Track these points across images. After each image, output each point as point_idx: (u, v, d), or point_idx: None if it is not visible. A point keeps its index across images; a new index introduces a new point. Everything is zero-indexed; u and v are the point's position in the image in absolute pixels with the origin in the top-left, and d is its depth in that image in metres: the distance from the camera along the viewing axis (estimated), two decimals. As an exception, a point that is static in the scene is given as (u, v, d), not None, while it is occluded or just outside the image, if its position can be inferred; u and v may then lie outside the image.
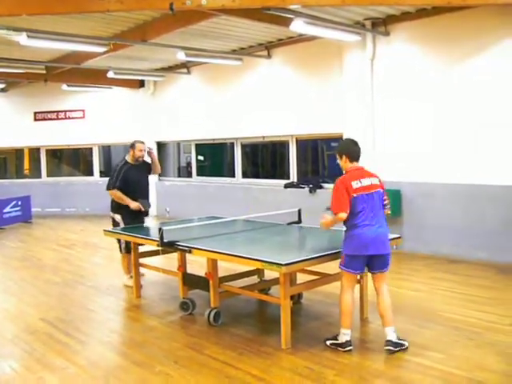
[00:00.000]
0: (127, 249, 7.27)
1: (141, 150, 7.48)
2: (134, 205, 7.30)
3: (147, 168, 7.80)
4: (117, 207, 7.48)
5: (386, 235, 4.86)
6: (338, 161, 4.97)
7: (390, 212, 4.97)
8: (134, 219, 7.43)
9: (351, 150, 4.91)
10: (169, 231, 5.85)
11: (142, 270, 7.15)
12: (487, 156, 8.14)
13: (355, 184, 4.72)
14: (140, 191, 7.55)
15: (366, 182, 4.78)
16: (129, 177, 7.34)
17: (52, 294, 7.17)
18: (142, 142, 7.59)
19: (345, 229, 4.87)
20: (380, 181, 4.93)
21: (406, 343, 4.83)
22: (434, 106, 8.73)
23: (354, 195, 4.69)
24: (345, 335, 4.84)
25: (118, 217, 7.48)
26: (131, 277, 7.22)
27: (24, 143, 16.32)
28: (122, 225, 7.41)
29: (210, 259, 5.50)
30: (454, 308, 6.04)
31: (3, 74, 12.44)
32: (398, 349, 4.73)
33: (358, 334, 5.40)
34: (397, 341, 4.76)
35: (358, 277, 5.77)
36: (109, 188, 7.36)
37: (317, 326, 5.63)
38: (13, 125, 16.06)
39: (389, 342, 4.74)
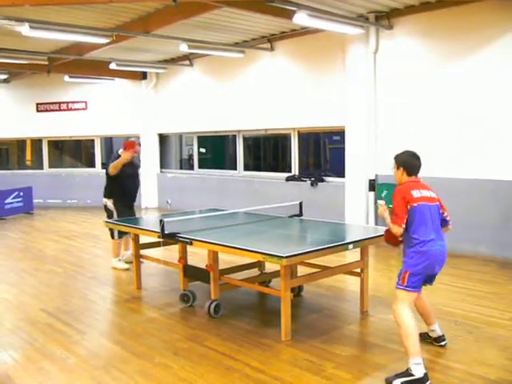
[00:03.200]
0: (121, 234, 7.80)
1: (136, 152, 7.91)
2: (126, 155, 7.63)
3: (138, 165, 8.35)
4: (109, 193, 7.89)
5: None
6: (394, 170, 4.54)
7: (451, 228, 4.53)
8: (125, 205, 7.91)
9: (411, 164, 4.45)
10: (170, 223, 5.85)
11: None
12: (489, 150, 8.12)
13: (415, 193, 4.27)
14: (132, 187, 8.10)
15: (425, 193, 4.35)
16: (124, 170, 7.73)
17: (53, 285, 7.19)
18: (138, 144, 8.11)
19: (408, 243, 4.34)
20: (436, 194, 4.48)
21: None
22: (437, 99, 8.69)
23: (415, 205, 4.22)
24: (419, 365, 4.05)
25: (109, 202, 7.87)
26: (119, 260, 8.04)
27: (26, 134, 16.30)
28: (114, 211, 7.83)
29: (211, 251, 5.49)
30: (454, 302, 6.05)
31: (6, 64, 12.41)
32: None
33: (358, 328, 5.42)
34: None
35: (359, 269, 5.82)
36: (108, 168, 7.76)
37: (317, 318, 5.63)
38: (15, 116, 16.07)
39: (443, 337, 4.73)
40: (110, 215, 7.90)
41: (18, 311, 6.09)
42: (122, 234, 7.77)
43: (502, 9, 7.79)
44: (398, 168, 4.49)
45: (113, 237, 7.93)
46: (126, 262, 8.00)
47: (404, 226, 4.22)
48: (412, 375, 4.01)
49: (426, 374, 4.01)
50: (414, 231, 4.22)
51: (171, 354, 4.72)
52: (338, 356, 4.61)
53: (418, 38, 8.90)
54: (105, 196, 7.95)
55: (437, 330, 4.75)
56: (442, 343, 4.72)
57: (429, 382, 4.00)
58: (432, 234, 4.23)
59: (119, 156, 7.76)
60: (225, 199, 12.17)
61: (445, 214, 4.46)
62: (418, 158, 4.49)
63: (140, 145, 8.13)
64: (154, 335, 5.22)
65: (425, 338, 4.73)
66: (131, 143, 7.79)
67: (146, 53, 12.56)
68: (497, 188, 8.05)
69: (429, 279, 4.43)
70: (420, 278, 4.25)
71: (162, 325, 5.54)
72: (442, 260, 4.32)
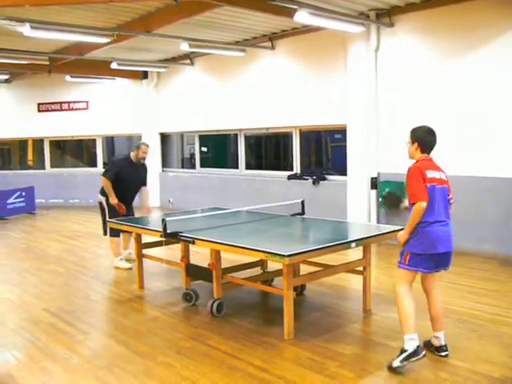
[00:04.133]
0: (113, 233, 7.80)
1: (144, 152, 7.90)
2: (114, 201, 7.71)
3: (144, 171, 8.21)
4: (105, 191, 7.88)
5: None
6: (408, 145, 4.57)
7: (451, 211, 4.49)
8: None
9: (426, 139, 4.51)
10: (172, 222, 5.85)
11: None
12: (490, 148, 8.11)
13: (429, 173, 4.31)
14: (129, 190, 8.00)
15: (436, 174, 4.38)
16: (123, 173, 7.76)
17: (55, 285, 7.19)
18: (148, 145, 8.06)
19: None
20: (446, 176, 4.49)
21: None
22: (438, 97, 8.68)
23: (428, 185, 4.25)
24: (413, 340, 4.22)
25: (104, 200, 7.89)
26: (121, 259, 8.02)
27: (28, 134, 16.30)
28: (105, 207, 7.86)
29: (213, 250, 5.48)
30: (456, 300, 6.03)
31: (7, 64, 12.42)
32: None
33: (361, 326, 5.42)
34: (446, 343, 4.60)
35: (362, 268, 5.82)
36: (104, 174, 7.83)
37: (320, 317, 5.63)
38: (16, 116, 16.07)
39: (445, 347, 4.54)
40: (103, 212, 8.01)
41: (21, 311, 6.10)
42: (114, 232, 7.78)
43: (501, 7, 7.77)
44: (412, 142, 4.53)
45: (105, 234, 8.02)
46: (127, 261, 8.04)
47: (427, 200, 4.19)
48: (405, 351, 4.19)
49: (418, 347, 4.19)
50: None
51: (174, 353, 4.72)
52: (341, 355, 4.61)
53: (418, 35, 8.88)
54: (101, 193, 7.99)
55: (441, 338, 4.55)
56: (443, 353, 4.52)
57: (423, 352, 4.21)
58: (437, 216, 4.27)
59: (127, 158, 7.91)
60: (227, 198, 12.16)
61: (449, 196, 4.45)
62: (433, 133, 4.53)
63: (148, 146, 8.04)
64: (157, 334, 5.23)
65: (427, 346, 4.59)
66: (139, 147, 7.88)
67: (147, 52, 12.56)
68: (497, 185, 8.03)
69: (437, 262, 4.38)
70: (422, 258, 4.30)
71: (164, 324, 5.54)
72: (446, 240, 4.31)
